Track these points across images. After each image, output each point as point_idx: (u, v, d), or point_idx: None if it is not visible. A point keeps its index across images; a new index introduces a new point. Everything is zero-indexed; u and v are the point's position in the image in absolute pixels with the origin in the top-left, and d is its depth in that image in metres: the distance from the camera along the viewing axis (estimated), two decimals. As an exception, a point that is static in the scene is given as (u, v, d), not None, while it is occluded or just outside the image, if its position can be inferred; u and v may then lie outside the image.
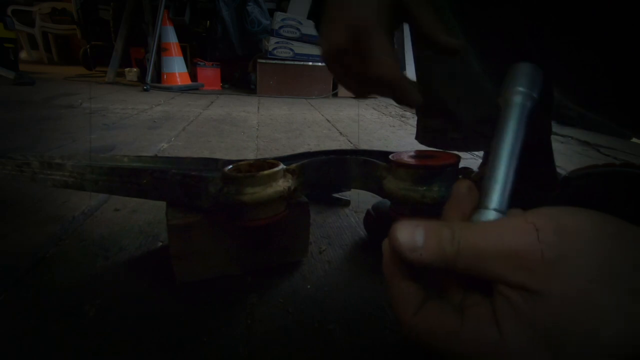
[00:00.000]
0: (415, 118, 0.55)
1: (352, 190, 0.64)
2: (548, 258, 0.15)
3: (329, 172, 0.43)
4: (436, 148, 0.49)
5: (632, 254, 0.15)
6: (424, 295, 0.19)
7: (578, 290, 0.15)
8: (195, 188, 0.38)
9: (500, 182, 0.20)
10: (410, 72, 2.85)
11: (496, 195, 0.19)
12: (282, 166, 0.38)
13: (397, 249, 0.18)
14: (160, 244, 0.49)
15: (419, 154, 0.39)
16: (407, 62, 2.79)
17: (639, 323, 0.14)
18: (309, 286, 0.41)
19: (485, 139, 0.47)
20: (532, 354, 0.15)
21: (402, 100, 0.32)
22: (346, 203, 0.64)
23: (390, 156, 0.39)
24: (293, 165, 0.39)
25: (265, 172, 0.36)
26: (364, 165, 0.42)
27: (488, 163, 0.21)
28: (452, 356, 0.17)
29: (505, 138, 0.21)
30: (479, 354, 0.17)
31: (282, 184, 0.37)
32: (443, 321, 0.18)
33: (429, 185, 0.36)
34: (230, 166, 0.38)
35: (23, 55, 3.99)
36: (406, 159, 0.38)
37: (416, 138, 0.54)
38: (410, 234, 0.18)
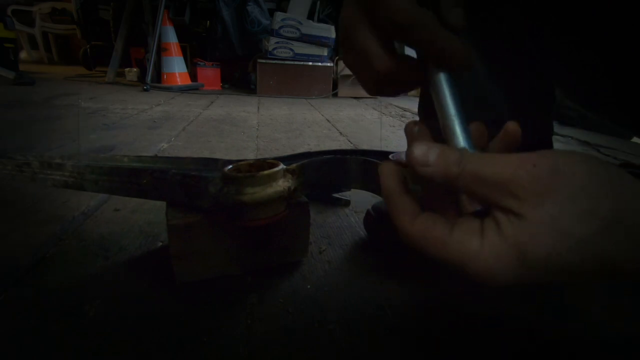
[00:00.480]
0: (416, 118, 0.55)
1: (352, 190, 0.64)
2: (535, 190, 0.18)
3: (329, 172, 0.43)
4: None
5: (611, 194, 0.18)
6: (420, 209, 0.22)
7: (552, 217, 0.18)
8: (195, 188, 0.38)
9: (459, 125, 0.24)
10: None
11: (461, 137, 0.23)
12: (282, 166, 0.38)
13: (411, 163, 0.21)
14: (160, 244, 0.49)
15: None
16: (407, 62, 2.79)
17: (597, 250, 0.17)
18: (309, 286, 0.41)
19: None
20: (505, 265, 0.19)
21: (439, 54, 0.24)
22: (346, 203, 0.64)
23: (390, 156, 0.39)
24: (293, 165, 0.39)
25: (265, 172, 0.36)
26: (364, 165, 0.42)
27: (440, 118, 0.25)
28: (441, 260, 0.21)
29: (446, 97, 0.25)
30: (462, 260, 0.20)
31: (282, 184, 0.37)
32: (435, 229, 0.21)
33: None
34: (230, 166, 0.38)
35: (23, 55, 3.99)
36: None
37: None
38: (424, 152, 0.21)
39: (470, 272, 0.20)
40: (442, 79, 0.25)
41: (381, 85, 0.28)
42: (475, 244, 0.20)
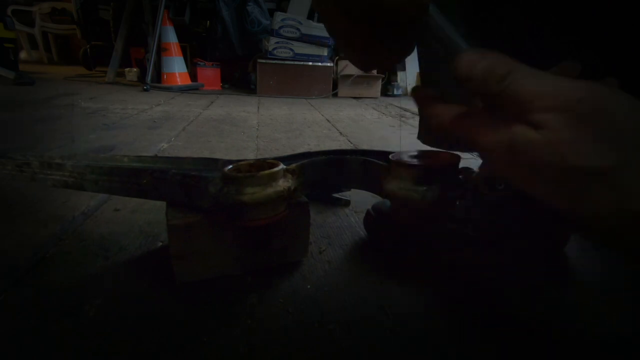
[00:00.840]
0: (416, 118, 0.55)
1: (352, 190, 0.64)
2: (564, 118, 0.20)
3: (329, 172, 0.43)
4: (439, 148, 0.49)
5: (624, 124, 0.20)
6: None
7: (569, 135, 0.20)
8: (195, 188, 0.38)
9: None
10: (413, 72, 2.85)
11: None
12: (282, 166, 0.38)
13: (459, 69, 0.23)
14: (160, 244, 0.49)
15: (418, 154, 0.39)
16: (407, 61, 2.79)
17: (597, 159, 0.19)
18: (309, 286, 0.41)
19: None
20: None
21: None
22: (346, 203, 0.64)
23: (390, 156, 0.39)
24: (293, 165, 0.39)
25: (265, 172, 0.36)
26: (364, 165, 0.42)
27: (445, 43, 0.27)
28: (479, 147, 0.23)
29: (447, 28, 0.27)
30: (491, 143, 0.22)
31: (282, 184, 0.37)
32: (475, 120, 0.23)
33: (429, 186, 0.36)
34: (230, 166, 0.38)
35: (23, 55, 3.99)
36: (406, 159, 0.38)
37: (418, 137, 0.54)
38: (473, 63, 0.23)
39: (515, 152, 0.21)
40: (435, 15, 0.27)
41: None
42: (505, 132, 0.21)
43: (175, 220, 0.38)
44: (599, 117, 0.20)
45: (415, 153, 0.40)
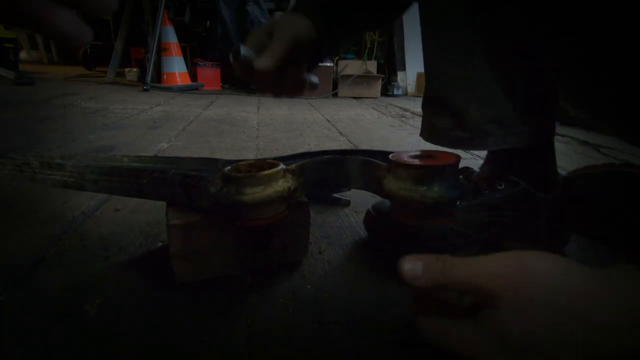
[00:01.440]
0: (416, 118, 0.55)
1: (352, 190, 0.64)
2: (507, 288, 0.23)
3: (329, 172, 0.43)
4: (441, 146, 0.49)
5: (564, 286, 0.23)
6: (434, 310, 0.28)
7: (522, 307, 0.23)
8: (195, 188, 0.38)
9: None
10: (413, 72, 2.85)
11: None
12: (282, 166, 0.38)
13: (402, 279, 0.26)
14: (160, 244, 0.49)
15: (419, 154, 0.39)
16: (407, 61, 2.79)
17: (565, 334, 0.22)
18: (309, 286, 0.41)
19: (493, 137, 0.47)
20: (495, 351, 0.23)
21: None
22: (346, 203, 0.64)
23: (390, 156, 0.39)
24: (293, 166, 0.39)
25: (265, 172, 0.36)
26: (364, 165, 0.42)
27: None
28: (449, 351, 0.25)
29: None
30: (461, 347, 0.25)
31: (282, 184, 0.37)
32: (441, 325, 0.26)
33: (429, 186, 0.36)
34: (230, 166, 0.38)
35: (23, 55, 3.99)
36: (406, 159, 0.38)
37: (421, 135, 0.54)
38: (412, 267, 0.26)
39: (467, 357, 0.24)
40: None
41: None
42: (468, 332, 0.25)
43: (176, 220, 0.38)
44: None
45: (415, 153, 0.40)
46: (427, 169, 0.36)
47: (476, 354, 0.24)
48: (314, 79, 0.50)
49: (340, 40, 0.54)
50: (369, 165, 0.41)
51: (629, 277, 0.23)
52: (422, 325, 0.27)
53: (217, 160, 0.48)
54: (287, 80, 0.47)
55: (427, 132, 0.53)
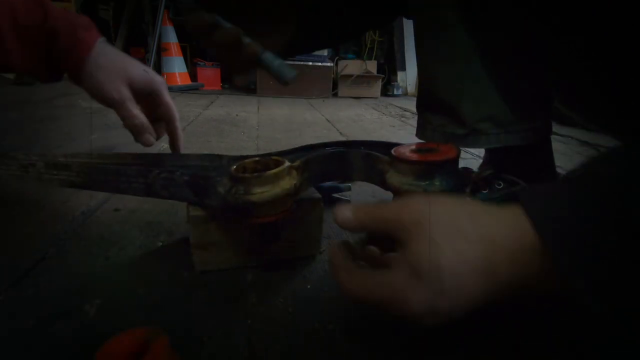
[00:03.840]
0: (416, 118, 0.55)
1: (352, 190, 0.64)
2: (412, 225, 0.26)
3: (332, 166, 0.44)
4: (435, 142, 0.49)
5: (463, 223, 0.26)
6: (356, 267, 0.30)
7: (424, 242, 0.25)
8: (204, 188, 0.39)
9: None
10: (413, 72, 2.85)
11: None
12: (287, 164, 0.38)
13: (336, 222, 0.31)
14: (160, 244, 0.49)
15: (420, 148, 0.40)
16: (407, 61, 2.79)
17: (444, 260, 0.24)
18: (309, 286, 0.42)
19: (486, 136, 0.47)
20: (411, 285, 0.25)
21: None
22: (346, 203, 0.64)
23: (392, 150, 0.39)
24: (297, 162, 0.39)
25: (272, 171, 0.36)
26: (367, 158, 0.42)
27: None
28: (374, 305, 0.27)
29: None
30: (383, 297, 0.26)
31: (289, 181, 0.38)
32: (363, 281, 0.28)
33: (431, 180, 0.36)
34: (236, 165, 0.39)
35: (23, 55, 3.98)
36: (408, 153, 0.38)
37: (416, 134, 0.54)
38: (343, 212, 0.30)
39: (391, 308, 0.25)
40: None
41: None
42: (388, 276, 0.26)
43: (197, 211, 0.40)
44: None
45: (417, 147, 0.40)
46: (428, 165, 0.36)
47: (397, 294, 0.25)
48: (288, 72, 0.43)
49: (322, 39, 0.55)
50: (371, 159, 0.42)
51: (510, 208, 0.26)
52: (343, 280, 0.29)
53: (221, 156, 0.48)
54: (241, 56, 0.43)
55: (422, 130, 0.53)
